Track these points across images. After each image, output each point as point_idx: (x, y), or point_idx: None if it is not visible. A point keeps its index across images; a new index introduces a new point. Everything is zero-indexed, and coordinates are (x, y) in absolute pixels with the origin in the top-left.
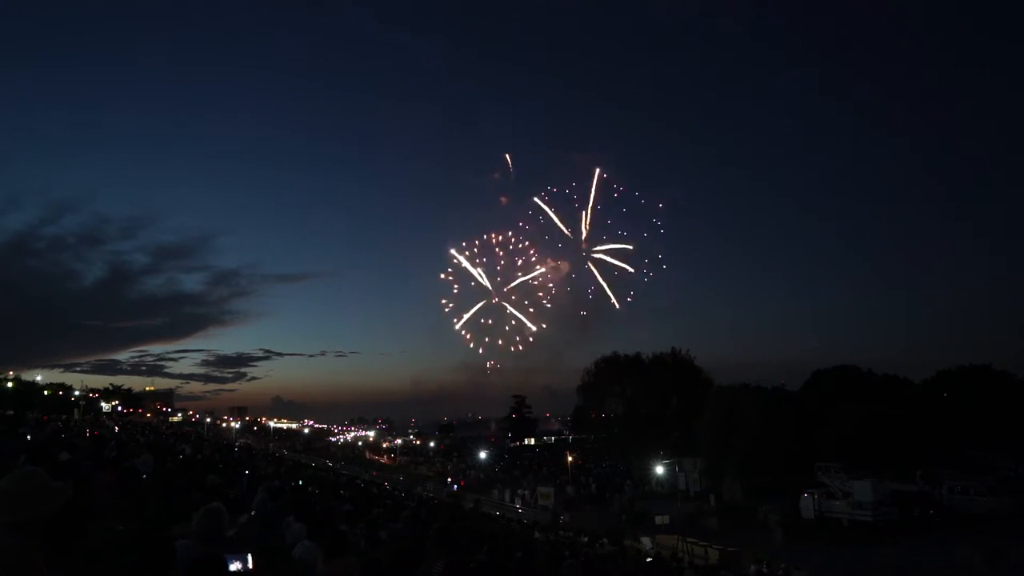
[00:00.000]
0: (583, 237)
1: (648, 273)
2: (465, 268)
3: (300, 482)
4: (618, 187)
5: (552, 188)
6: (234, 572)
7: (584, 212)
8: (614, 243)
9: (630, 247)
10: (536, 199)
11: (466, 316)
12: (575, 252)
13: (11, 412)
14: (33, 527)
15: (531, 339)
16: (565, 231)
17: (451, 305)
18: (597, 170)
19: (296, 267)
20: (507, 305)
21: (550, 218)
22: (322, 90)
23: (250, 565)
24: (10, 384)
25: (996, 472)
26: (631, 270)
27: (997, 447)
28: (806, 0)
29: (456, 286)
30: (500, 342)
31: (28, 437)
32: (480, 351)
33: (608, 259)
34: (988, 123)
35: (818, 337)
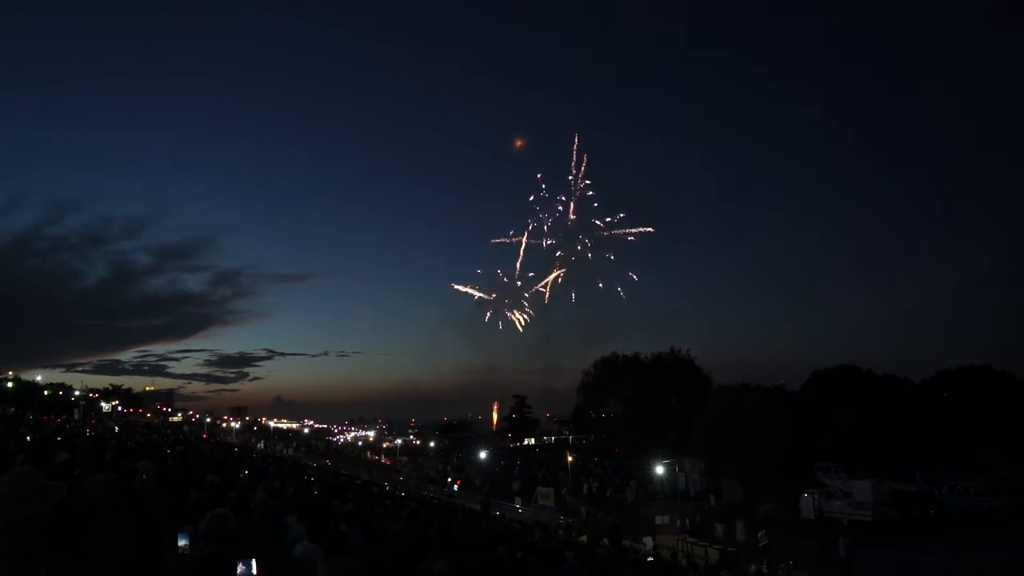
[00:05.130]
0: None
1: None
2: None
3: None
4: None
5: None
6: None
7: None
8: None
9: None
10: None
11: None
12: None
13: (12, 410)
14: (30, 526)
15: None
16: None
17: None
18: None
19: (299, 267)
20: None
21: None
22: (325, 91)
23: (254, 570)
24: (10, 384)
25: (996, 472)
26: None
27: (997, 447)
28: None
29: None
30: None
31: (27, 437)
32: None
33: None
34: (986, 123)
35: (818, 337)
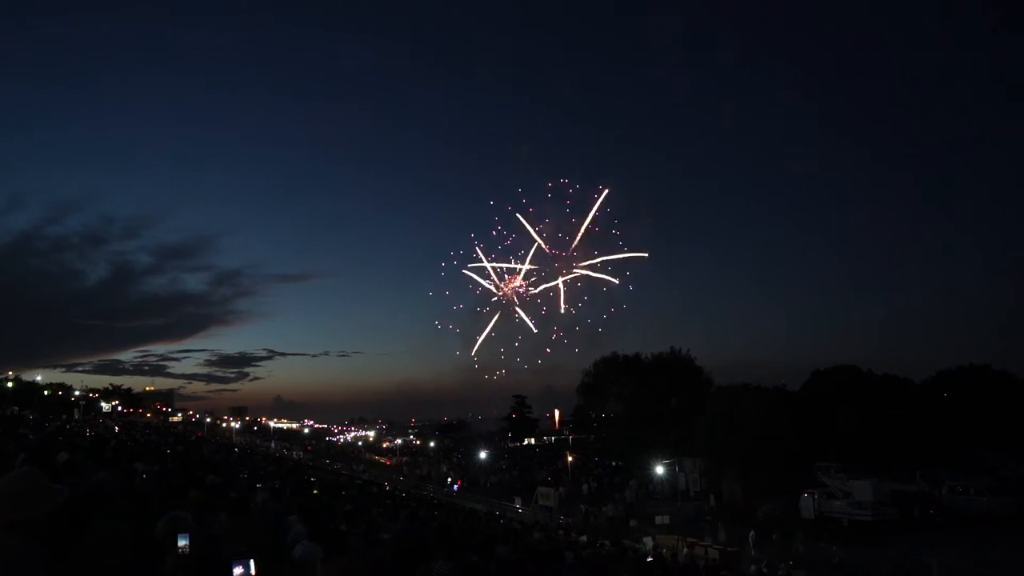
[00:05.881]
0: (571, 250)
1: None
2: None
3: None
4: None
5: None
6: None
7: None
8: (599, 266)
9: (615, 280)
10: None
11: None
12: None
13: (16, 408)
14: (31, 527)
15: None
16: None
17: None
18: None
19: (299, 267)
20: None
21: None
22: (325, 93)
23: (252, 571)
24: (10, 384)
25: (996, 472)
26: (615, 281)
27: (997, 447)
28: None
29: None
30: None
31: (29, 437)
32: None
33: (593, 274)
34: (987, 125)
35: (818, 337)
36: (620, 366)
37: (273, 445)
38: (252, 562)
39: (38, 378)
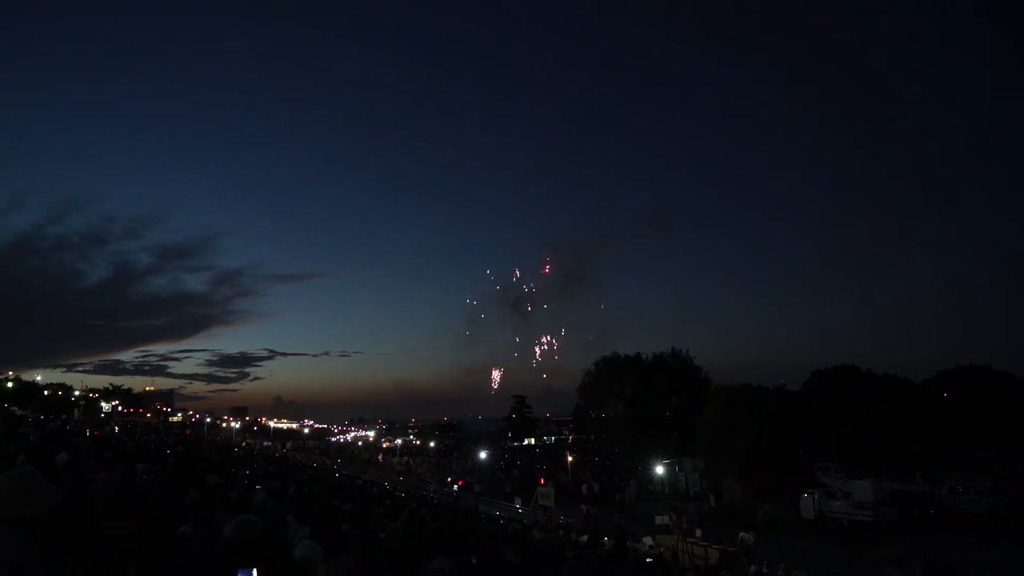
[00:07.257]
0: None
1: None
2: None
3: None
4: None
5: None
6: None
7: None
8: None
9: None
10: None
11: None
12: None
13: (16, 408)
14: (27, 526)
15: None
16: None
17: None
18: None
19: (300, 267)
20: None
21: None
22: (327, 95)
23: None
24: (10, 384)
25: (996, 472)
26: None
27: (997, 447)
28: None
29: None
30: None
31: (30, 437)
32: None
33: None
34: (985, 126)
35: (818, 337)
36: (620, 366)
37: (288, 446)
38: (255, 571)
39: (38, 378)
